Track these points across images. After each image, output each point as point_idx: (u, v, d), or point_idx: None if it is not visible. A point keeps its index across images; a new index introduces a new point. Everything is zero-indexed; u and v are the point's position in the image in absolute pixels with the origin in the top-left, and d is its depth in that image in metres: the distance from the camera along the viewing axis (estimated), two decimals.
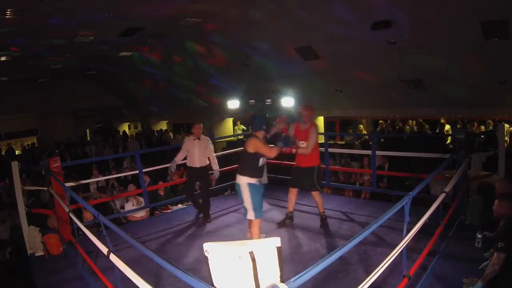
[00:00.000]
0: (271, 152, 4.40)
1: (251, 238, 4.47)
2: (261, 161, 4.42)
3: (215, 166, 6.04)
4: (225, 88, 13.53)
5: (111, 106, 20.64)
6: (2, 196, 8.82)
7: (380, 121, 12.46)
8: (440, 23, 7.21)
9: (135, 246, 2.65)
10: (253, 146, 4.34)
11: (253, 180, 4.37)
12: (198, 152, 5.79)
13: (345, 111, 12.29)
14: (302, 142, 5.12)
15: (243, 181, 4.36)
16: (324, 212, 5.41)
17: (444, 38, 7.47)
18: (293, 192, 5.45)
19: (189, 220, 6.07)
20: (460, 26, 7.05)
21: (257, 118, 4.52)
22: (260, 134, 4.45)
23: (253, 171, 4.39)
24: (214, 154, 6.13)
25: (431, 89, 9.08)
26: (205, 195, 5.98)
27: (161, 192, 7.23)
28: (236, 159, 9.43)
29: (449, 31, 7.27)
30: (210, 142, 6.00)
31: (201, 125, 6.01)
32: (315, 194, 5.30)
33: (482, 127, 10.30)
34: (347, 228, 5.25)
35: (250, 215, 4.37)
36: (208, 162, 5.97)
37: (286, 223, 5.49)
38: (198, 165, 5.80)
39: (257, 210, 4.38)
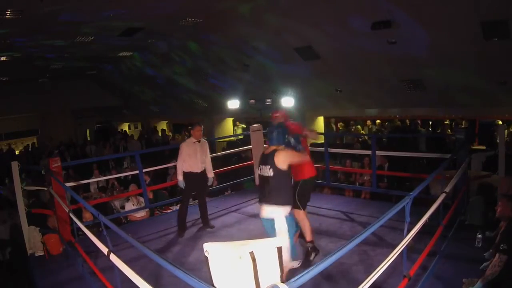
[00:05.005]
0: (303, 157, 3.55)
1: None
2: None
3: (211, 174, 5.65)
4: (225, 88, 13.52)
5: (111, 106, 20.61)
6: (8, 195, 8.78)
7: (377, 121, 12.56)
8: (440, 23, 7.21)
9: (135, 246, 2.65)
10: (283, 159, 3.32)
11: (288, 209, 3.35)
12: (200, 157, 5.45)
13: (345, 111, 12.30)
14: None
15: (278, 214, 3.28)
16: (312, 241, 3.99)
17: (444, 38, 7.47)
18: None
19: (189, 220, 6.06)
20: (460, 26, 7.05)
21: (275, 131, 3.48)
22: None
23: (288, 195, 3.38)
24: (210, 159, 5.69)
25: (431, 89, 9.08)
26: (204, 202, 5.69)
27: (166, 192, 7.22)
28: (235, 160, 9.44)
29: (449, 31, 7.27)
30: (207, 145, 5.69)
31: (202, 126, 5.72)
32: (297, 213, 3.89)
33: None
34: (347, 228, 5.24)
35: (286, 257, 3.17)
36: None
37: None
38: (199, 171, 5.46)
39: (294, 249, 3.40)
